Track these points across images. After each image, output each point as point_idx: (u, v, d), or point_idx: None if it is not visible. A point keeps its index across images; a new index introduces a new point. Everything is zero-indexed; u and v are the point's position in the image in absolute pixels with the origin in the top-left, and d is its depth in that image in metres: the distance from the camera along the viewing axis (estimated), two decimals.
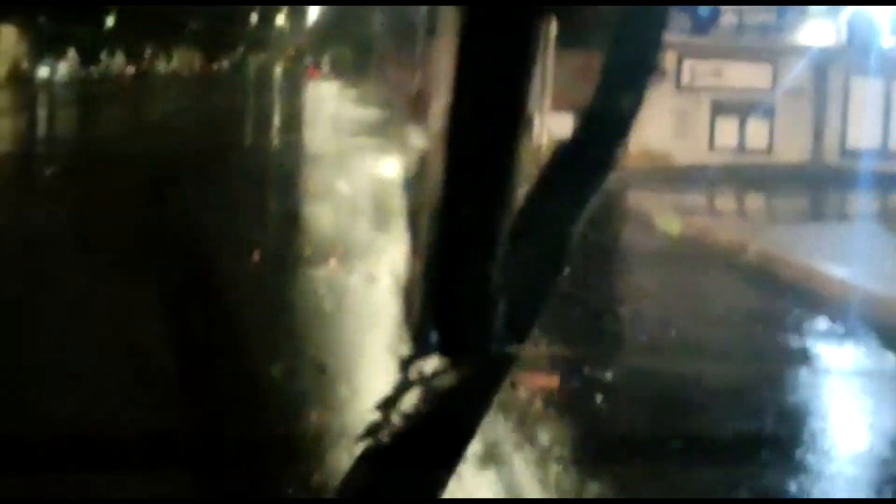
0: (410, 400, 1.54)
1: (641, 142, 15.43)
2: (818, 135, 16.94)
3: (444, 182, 1.54)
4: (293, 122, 29.55)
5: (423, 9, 30.56)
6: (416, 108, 27.05)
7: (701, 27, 16.13)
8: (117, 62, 55.10)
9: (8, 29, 41.03)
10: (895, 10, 15.90)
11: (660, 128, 15.97)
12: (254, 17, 68.33)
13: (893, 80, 16.53)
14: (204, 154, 17.77)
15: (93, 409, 5.15)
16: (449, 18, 1.53)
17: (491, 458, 4.60)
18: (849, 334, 7.24)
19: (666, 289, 8.83)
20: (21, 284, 7.79)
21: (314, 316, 7.34)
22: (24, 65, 43.25)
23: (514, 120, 1.57)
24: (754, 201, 14.38)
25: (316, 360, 6.18)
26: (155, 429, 4.86)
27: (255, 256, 9.11)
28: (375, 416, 1.55)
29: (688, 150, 16.30)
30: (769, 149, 16.82)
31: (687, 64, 16.61)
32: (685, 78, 16.67)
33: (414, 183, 13.57)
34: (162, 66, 62.78)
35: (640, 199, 12.99)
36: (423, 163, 1.60)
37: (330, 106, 35.79)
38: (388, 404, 1.54)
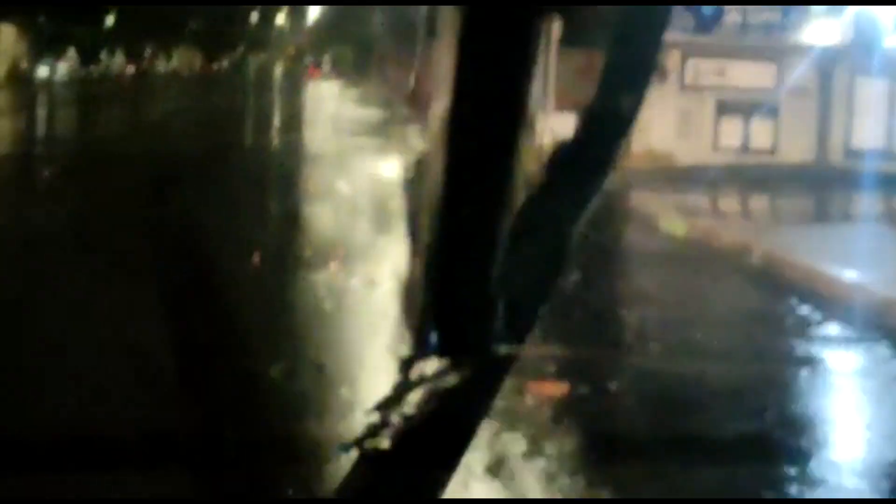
0: (411, 400, 1.54)
1: (645, 142, 15.41)
2: (823, 135, 16.87)
3: (444, 182, 1.54)
4: (293, 121, 29.54)
5: (424, 9, 30.55)
6: (414, 105, 27.07)
7: (705, 26, 16.07)
8: (117, 62, 55.09)
9: (8, 29, 41.02)
10: None
11: (663, 127, 15.93)
12: (254, 17, 68.32)
13: None
14: (204, 154, 17.77)
15: (93, 409, 5.15)
16: (449, 18, 1.53)
17: (491, 458, 4.60)
18: (858, 338, 7.19)
19: (670, 292, 8.71)
20: (20, 284, 7.79)
21: (314, 316, 7.33)
22: (24, 65, 43.24)
23: (515, 120, 1.57)
24: (759, 202, 14.30)
25: (316, 361, 6.17)
26: (155, 429, 4.86)
27: (255, 257, 9.10)
28: (376, 416, 1.55)
29: (691, 150, 16.23)
30: (773, 149, 16.75)
31: (691, 63, 16.56)
32: (689, 77, 16.62)
33: (414, 183, 13.57)
34: (162, 66, 62.77)
35: (644, 200, 12.93)
36: (423, 163, 1.60)
37: (330, 106, 35.77)
38: (388, 405, 1.54)
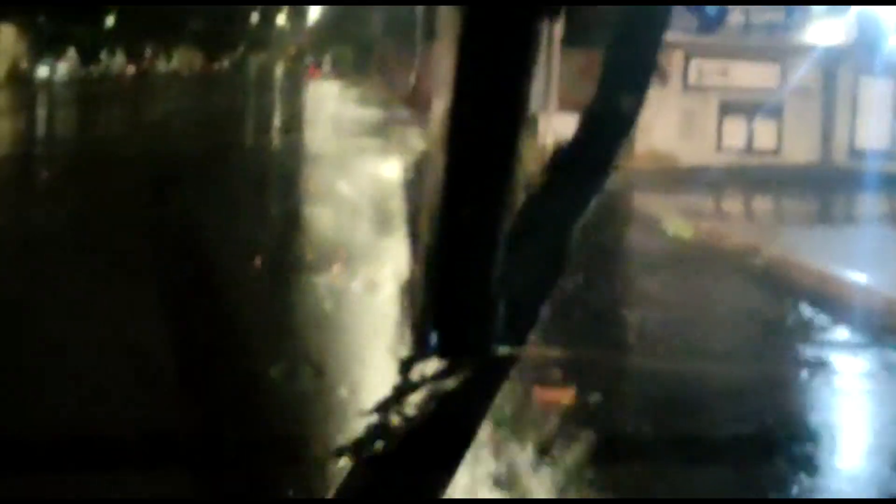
0: (411, 401, 1.54)
1: (648, 142, 15.39)
2: (827, 135, 16.82)
3: (444, 182, 1.54)
4: (294, 122, 29.53)
5: (424, 9, 30.55)
6: (414, 105, 27.07)
7: (708, 26, 16.01)
8: (117, 62, 55.08)
9: (8, 29, 41.01)
10: None
11: (666, 128, 15.90)
12: (254, 17, 68.32)
13: None
14: (204, 154, 17.76)
15: (93, 409, 5.14)
16: (449, 19, 1.53)
17: (491, 458, 4.60)
18: (869, 342, 7.13)
19: (678, 296, 8.59)
20: (20, 285, 7.78)
21: (314, 317, 7.33)
22: (24, 65, 43.23)
23: (515, 120, 1.57)
24: (763, 203, 14.23)
25: (316, 362, 6.17)
26: (155, 429, 4.86)
27: (255, 257, 9.10)
28: (376, 417, 1.55)
29: (695, 151, 16.19)
30: (777, 149, 16.71)
31: (694, 63, 16.51)
32: (692, 78, 16.57)
33: (414, 184, 13.56)
34: (162, 66, 62.76)
35: (648, 202, 12.88)
36: (423, 163, 1.60)
37: (330, 106, 35.76)
38: (388, 406, 1.54)
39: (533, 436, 4.99)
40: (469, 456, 1.64)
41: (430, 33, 27.76)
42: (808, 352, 6.90)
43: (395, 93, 35.21)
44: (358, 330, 7.07)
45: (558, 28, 16.19)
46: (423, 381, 1.55)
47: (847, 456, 5.19)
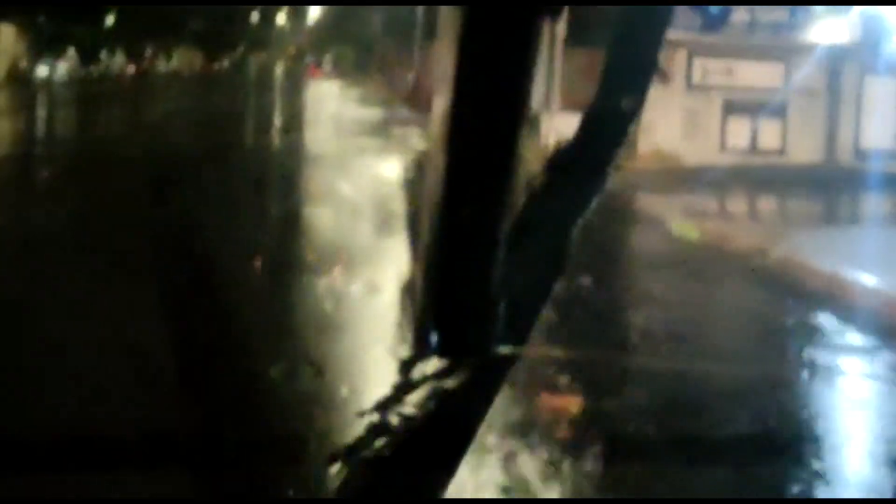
0: (411, 401, 1.54)
1: (651, 142, 15.37)
2: (831, 135, 16.78)
3: (444, 182, 1.54)
4: (294, 121, 29.53)
5: (424, 9, 30.55)
6: (415, 105, 27.07)
7: (712, 25, 15.98)
8: (117, 62, 55.06)
9: (8, 29, 41.01)
10: None
11: (670, 128, 15.89)
12: (254, 17, 68.31)
13: None
14: (204, 154, 17.75)
15: (93, 409, 5.14)
16: (449, 18, 1.53)
17: (491, 457, 4.60)
18: (880, 345, 7.09)
19: (687, 300, 8.52)
20: (20, 285, 7.78)
21: (314, 317, 7.33)
22: (24, 65, 43.22)
23: (515, 120, 1.57)
24: (769, 203, 14.17)
25: (316, 362, 6.17)
26: (155, 429, 4.86)
27: (255, 258, 9.10)
28: (375, 417, 1.54)
29: (698, 151, 16.16)
30: (781, 149, 16.68)
31: (698, 63, 16.48)
32: (696, 77, 16.54)
33: (415, 184, 13.56)
34: (162, 66, 62.75)
35: (653, 202, 12.83)
36: (423, 163, 1.59)
37: (331, 106, 35.76)
38: (387, 406, 1.54)
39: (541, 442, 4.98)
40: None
41: (431, 33, 27.75)
42: (818, 355, 6.86)
43: (396, 92, 35.21)
44: (358, 329, 7.07)
45: (561, 27, 16.19)
46: (423, 380, 1.55)
47: (863, 461, 5.17)
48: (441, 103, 1.55)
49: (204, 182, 14.22)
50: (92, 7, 44.40)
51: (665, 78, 15.22)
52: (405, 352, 1.56)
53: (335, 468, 1.62)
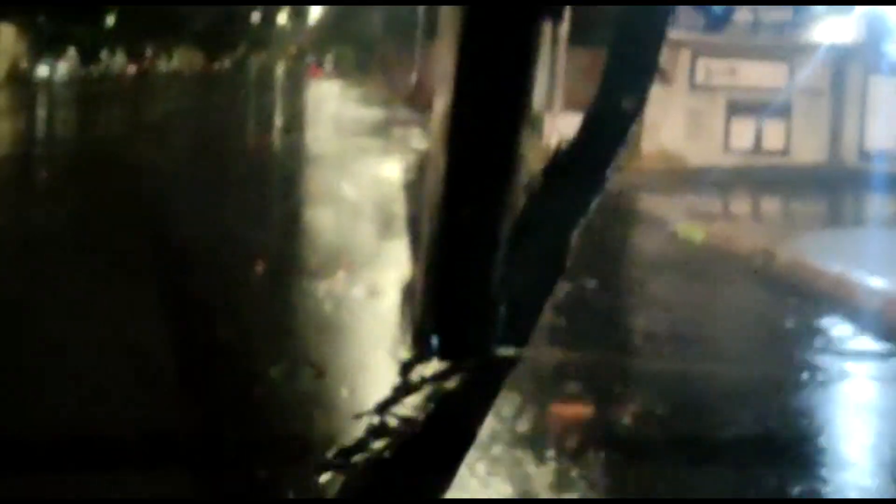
0: (411, 403, 1.53)
1: (655, 142, 15.35)
2: (836, 135, 16.74)
3: (444, 182, 1.54)
4: (295, 122, 29.52)
5: (425, 8, 30.54)
6: (416, 105, 27.06)
7: (715, 25, 15.92)
8: (118, 61, 55.05)
9: (8, 29, 41.00)
10: None
11: (673, 128, 15.85)
12: (255, 17, 68.30)
13: None
14: (204, 155, 17.75)
15: (93, 409, 5.14)
16: (449, 19, 1.52)
17: (491, 456, 4.59)
18: (890, 346, 7.06)
19: (693, 301, 8.49)
20: (20, 285, 7.78)
21: (315, 318, 7.33)
22: (24, 65, 43.21)
23: (515, 120, 1.56)
24: (774, 204, 14.11)
25: (316, 363, 6.17)
26: (155, 429, 4.86)
27: (255, 257, 9.09)
28: (376, 419, 1.54)
29: (702, 151, 16.11)
30: (785, 150, 16.64)
31: (701, 63, 16.43)
32: (699, 77, 16.50)
33: (415, 185, 13.56)
34: (163, 66, 62.73)
35: (658, 204, 12.78)
36: (425, 164, 1.59)
37: (332, 106, 35.76)
38: (388, 407, 1.54)
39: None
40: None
41: (432, 33, 27.75)
42: (831, 358, 6.82)
43: (397, 93, 35.20)
44: (359, 331, 7.07)
45: (565, 27, 16.17)
46: (424, 382, 1.54)
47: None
48: (441, 103, 1.55)
49: (204, 182, 14.21)
50: (92, 7, 44.39)
51: (665, 78, 15.20)
52: (405, 353, 1.55)
53: (335, 469, 1.62)
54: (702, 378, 6.34)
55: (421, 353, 1.56)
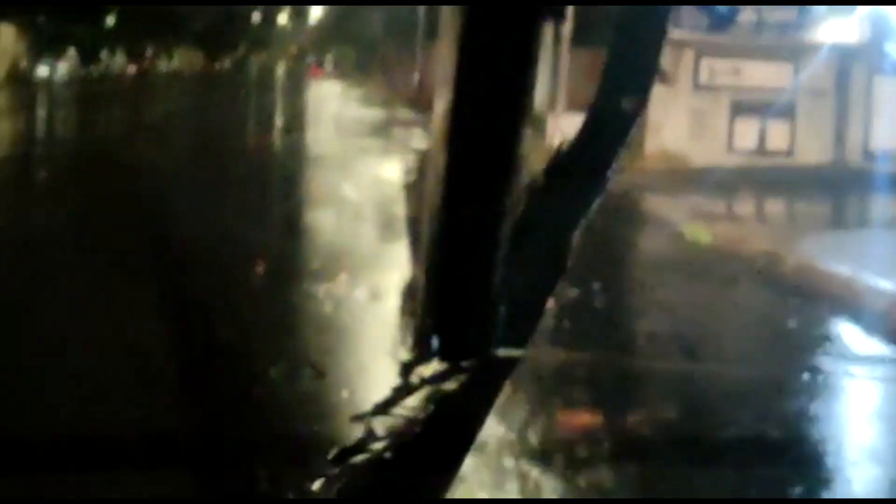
0: (411, 404, 1.53)
1: (658, 142, 15.33)
2: (840, 136, 16.69)
3: (445, 182, 1.53)
4: (295, 122, 29.52)
5: (426, 9, 30.54)
6: (416, 105, 27.06)
7: (719, 25, 15.89)
8: (118, 61, 55.04)
9: (8, 29, 41.00)
10: None
11: (677, 128, 15.82)
12: (255, 17, 68.30)
13: None
14: (205, 155, 17.75)
15: (93, 409, 5.14)
16: (450, 19, 1.52)
17: (491, 456, 4.59)
18: None
19: (701, 302, 8.44)
20: (20, 285, 7.78)
21: (315, 319, 7.32)
22: (24, 64, 43.21)
23: (515, 120, 1.56)
24: (779, 205, 14.05)
25: (316, 364, 6.17)
26: (155, 429, 4.86)
27: (255, 258, 9.09)
28: (376, 419, 1.54)
29: (706, 151, 16.07)
30: (790, 150, 16.60)
31: (705, 63, 16.39)
32: (703, 77, 16.46)
33: (416, 185, 13.55)
34: (163, 66, 62.72)
35: (663, 205, 12.74)
36: (425, 165, 1.59)
37: (332, 106, 35.75)
38: (389, 408, 1.53)
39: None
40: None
41: (433, 33, 27.74)
42: (833, 360, 6.80)
43: (398, 93, 35.20)
44: (359, 331, 7.07)
45: (567, 27, 16.17)
46: (424, 383, 1.54)
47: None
48: (442, 103, 1.55)
49: (204, 182, 14.21)
50: (92, 7, 44.38)
51: (666, 78, 15.19)
52: (406, 354, 1.55)
53: (336, 469, 1.62)
54: (707, 379, 6.34)
55: (421, 353, 1.56)
